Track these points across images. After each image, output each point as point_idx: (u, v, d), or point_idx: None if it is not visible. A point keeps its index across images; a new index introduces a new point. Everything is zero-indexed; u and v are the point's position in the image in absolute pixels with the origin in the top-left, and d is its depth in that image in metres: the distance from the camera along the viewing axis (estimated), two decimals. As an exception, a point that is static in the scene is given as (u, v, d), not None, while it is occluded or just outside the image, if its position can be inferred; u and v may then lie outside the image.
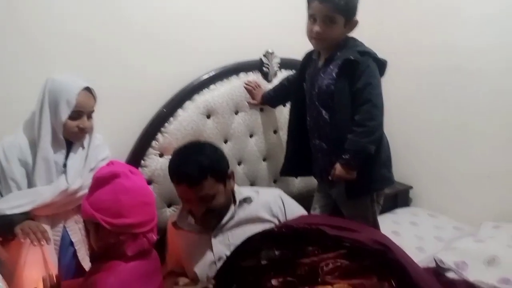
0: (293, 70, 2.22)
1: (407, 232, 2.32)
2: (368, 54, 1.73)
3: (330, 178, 1.76)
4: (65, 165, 1.57)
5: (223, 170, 1.60)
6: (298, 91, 1.97)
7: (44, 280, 1.35)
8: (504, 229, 2.12)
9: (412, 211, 2.62)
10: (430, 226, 2.41)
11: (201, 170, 1.50)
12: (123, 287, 1.24)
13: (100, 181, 1.29)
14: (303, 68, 1.95)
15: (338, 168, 1.72)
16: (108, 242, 1.28)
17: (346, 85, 1.72)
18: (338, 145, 1.75)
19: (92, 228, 1.31)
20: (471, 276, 1.74)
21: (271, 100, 2.20)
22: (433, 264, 1.88)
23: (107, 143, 1.73)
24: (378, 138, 1.74)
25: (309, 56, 1.95)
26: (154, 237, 1.34)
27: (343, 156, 1.70)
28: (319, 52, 1.87)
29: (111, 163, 1.40)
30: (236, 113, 2.19)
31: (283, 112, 2.31)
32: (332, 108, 1.77)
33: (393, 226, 2.36)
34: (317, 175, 2.00)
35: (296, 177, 2.34)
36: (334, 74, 1.75)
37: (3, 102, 1.67)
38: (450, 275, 1.79)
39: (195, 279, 1.62)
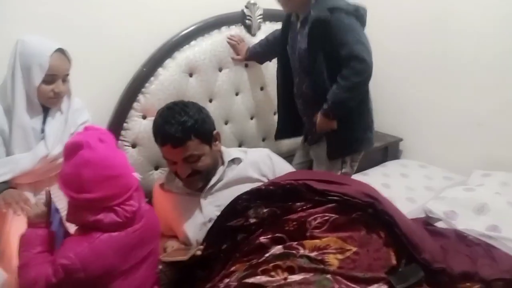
0: (278, 22, 2.13)
1: (398, 184, 2.33)
2: (339, 9, 1.66)
3: (314, 130, 1.77)
4: (43, 131, 1.52)
5: (208, 130, 1.58)
6: (282, 54, 1.94)
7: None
8: (493, 177, 2.13)
9: (402, 163, 2.62)
10: (421, 177, 2.42)
11: (185, 130, 1.47)
12: (93, 255, 1.23)
13: (66, 153, 1.26)
14: (285, 31, 1.90)
15: (318, 117, 1.75)
16: (80, 215, 1.26)
17: (319, 47, 1.68)
18: (318, 108, 1.74)
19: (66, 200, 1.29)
20: (460, 224, 1.75)
21: (257, 55, 2.13)
22: (423, 215, 1.89)
23: (87, 107, 1.68)
24: (361, 94, 1.72)
25: (288, 18, 1.88)
26: (128, 209, 1.30)
27: (323, 106, 1.71)
28: (297, 14, 1.79)
29: (84, 130, 1.35)
30: (220, 70, 2.12)
31: (269, 68, 2.24)
32: (309, 71, 1.74)
33: (384, 178, 2.36)
34: (304, 136, 2.04)
35: (291, 138, 2.31)
36: (307, 36, 1.71)
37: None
38: (440, 224, 1.79)
39: (185, 241, 1.62)
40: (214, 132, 1.62)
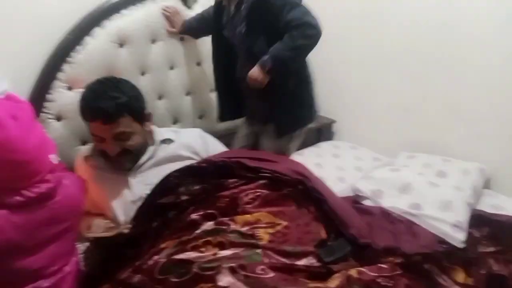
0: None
1: (329, 164, 2.39)
2: None
3: (247, 79, 1.71)
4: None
5: (141, 109, 1.54)
6: (217, 38, 1.90)
7: None
8: (417, 159, 2.24)
9: (335, 144, 2.69)
10: (351, 158, 2.49)
11: (117, 106, 1.42)
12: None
13: None
14: (218, 17, 1.86)
15: (253, 69, 1.67)
16: None
17: (260, 29, 1.67)
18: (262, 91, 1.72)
19: None
20: (386, 203, 1.83)
21: (192, 30, 2.06)
22: (351, 193, 1.95)
23: (5, 77, 1.53)
24: (301, 59, 1.71)
25: (219, 3, 1.83)
26: (34, 191, 1.20)
27: (262, 58, 1.65)
28: None
29: (6, 98, 1.23)
30: (154, 42, 2.02)
31: (206, 43, 2.17)
32: (250, 54, 1.72)
33: (316, 158, 2.41)
34: (249, 116, 2.02)
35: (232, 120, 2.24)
36: (245, 19, 1.69)
37: None
38: (367, 202, 1.86)
39: (113, 220, 1.56)
40: (147, 111, 1.57)
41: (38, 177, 1.21)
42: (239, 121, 2.17)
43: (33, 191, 1.20)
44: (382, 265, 1.29)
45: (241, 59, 1.84)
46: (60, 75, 1.76)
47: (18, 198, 1.18)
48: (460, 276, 1.36)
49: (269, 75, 1.66)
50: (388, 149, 2.54)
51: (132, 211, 1.51)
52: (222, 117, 2.08)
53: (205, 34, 2.09)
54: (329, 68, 2.64)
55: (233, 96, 1.97)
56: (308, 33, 1.60)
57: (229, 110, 2.04)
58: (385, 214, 1.75)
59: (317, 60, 1.90)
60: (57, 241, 1.29)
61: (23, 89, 1.72)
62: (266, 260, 1.18)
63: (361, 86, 2.68)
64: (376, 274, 1.23)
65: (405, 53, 2.43)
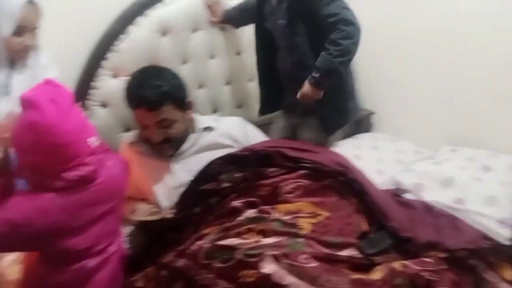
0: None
1: (368, 155, 2.34)
2: None
3: (297, 96, 1.69)
4: (6, 86, 1.43)
5: (183, 97, 1.56)
6: (259, 29, 1.90)
7: None
8: (460, 152, 2.17)
9: (374, 136, 2.64)
10: (391, 150, 2.44)
11: (160, 95, 1.46)
12: (36, 212, 1.18)
13: (23, 107, 1.18)
14: (260, 8, 1.85)
15: (306, 86, 1.66)
16: (25, 174, 1.21)
17: (300, 21, 1.66)
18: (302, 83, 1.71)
19: None
20: (427, 196, 1.79)
21: (232, 19, 2.07)
22: (392, 186, 1.92)
23: (55, 63, 1.59)
24: (351, 58, 1.66)
25: None
26: (74, 174, 1.22)
27: (313, 74, 1.63)
28: None
29: (44, 83, 1.27)
30: (195, 31, 2.04)
31: (246, 33, 2.17)
32: (291, 47, 1.71)
33: (355, 150, 2.36)
34: (287, 108, 2.01)
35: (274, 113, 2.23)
36: (286, 13, 1.68)
37: None
38: (408, 196, 1.83)
39: (156, 205, 1.59)
40: (188, 100, 1.60)
41: (77, 160, 1.23)
42: (276, 112, 2.16)
43: (73, 175, 1.22)
44: (426, 259, 1.27)
45: (281, 51, 1.84)
46: (104, 63, 1.81)
47: (59, 181, 1.20)
48: (508, 273, 1.32)
49: (324, 89, 1.65)
50: (429, 143, 2.47)
51: (174, 196, 1.55)
52: (263, 110, 2.08)
53: (245, 23, 2.09)
54: (368, 58, 2.57)
55: (274, 87, 1.97)
56: (347, 31, 1.58)
57: (270, 103, 2.04)
58: (427, 208, 1.70)
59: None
60: (101, 222, 1.32)
61: (69, 77, 1.78)
62: (308, 250, 1.18)
63: (402, 76, 2.61)
64: (420, 268, 1.21)
65: (450, 43, 2.34)
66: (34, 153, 1.18)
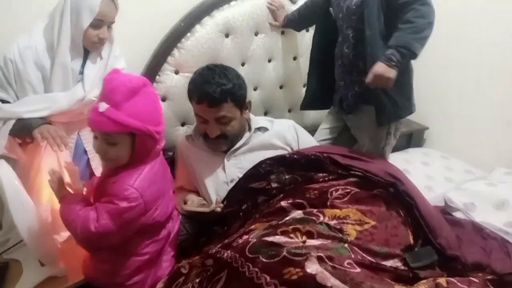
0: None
1: (418, 171, 2.31)
2: None
3: (368, 79, 1.57)
4: (81, 73, 1.54)
5: (243, 96, 1.61)
6: (323, 17, 1.88)
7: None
8: (516, 175, 2.10)
9: (425, 151, 2.59)
10: (442, 167, 2.39)
11: (223, 92, 1.51)
12: (146, 182, 1.27)
13: (132, 90, 1.23)
14: None
15: (377, 64, 1.54)
16: (140, 151, 1.28)
17: (374, 2, 1.61)
18: (363, 73, 1.67)
19: (126, 140, 1.25)
20: (478, 217, 1.75)
21: (294, 22, 2.09)
22: (441, 203, 1.88)
23: (123, 56, 1.69)
24: (426, 38, 1.57)
25: None
26: (162, 145, 1.37)
27: (385, 52, 1.54)
28: None
29: (113, 72, 1.35)
30: (256, 34, 2.10)
31: (305, 38, 2.21)
32: (361, 28, 1.66)
33: (405, 164, 2.34)
34: (336, 103, 1.94)
35: (318, 109, 2.20)
36: None
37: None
38: (458, 214, 1.79)
39: (206, 197, 1.65)
40: (247, 100, 1.65)
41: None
42: (324, 115, 2.16)
43: (162, 144, 1.37)
44: (473, 279, 1.24)
45: (343, 36, 1.78)
46: (169, 59, 1.90)
47: (161, 145, 1.36)
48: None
49: (396, 69, 1.54)
50: (482, 163, 2.40)
51: (223, 191, 1.60)
52: (305, 104, 2.04)
53: (305, 25, 2.11)
54: (426, 71, 2.54)
55: (323, 82, 1.94)
56: (423, 10, 1.53)
57: (314, 98, 2.00)
58: (477, 229, 1.67)
59: (414, 61, 1.82)
60: (167, 192, 1.43)
61: (135, 70, 1.88)
62: (353, 256, 1.18)
63: (460, 92, 2.54)
64: (466, 287, 1.18)
65: (510, 60, 2.27)
66: (161, 120, 1.32)
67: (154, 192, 1.30)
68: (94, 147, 1.30)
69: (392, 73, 1.52)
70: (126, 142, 1.25)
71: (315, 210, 1.34)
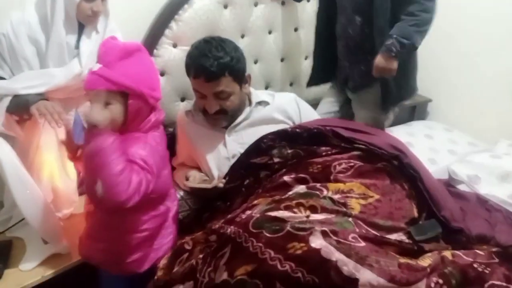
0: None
1: (421, 144, 2.29)
2: None
3: (373, 72, 1.67)
4: (77, 48, 1.50)
5: (242, 70, 1.56)
6: None
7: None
8: (521, 147, 2.08)
9: (428, 124, 2.57)
10: (445, 140, 2.37)
11: (220, 66, 1.46)
12: (153, 154, 1.26)
13: (126, 52, 1.22)
14: None
15: (378, 58, 1.64)
16: (133, 114, 1.25)
17: None
18: (370, 53, 1.65)
19: (118, 99, 1.22)
20: (482, 189, 1.74)
21: None
22: (445, 176, 1.87)
23: (119, 29, 1.64)
24: (427, 32, 1.64)
25: None
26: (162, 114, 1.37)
27: (385, 43, 1.61)
28: None
29: (111, 38, 1.33)
30: (256, 4, 2.03)
31: (306, 9, 2.15)
32: (368, 13, 1.65)
33: (407, 137, 2.32)
34: (341, 81, 1.94)
35: (323, 83, 2.21)
36: None
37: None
38: (461, 187, 1.78)
39: (207, 173, 1.64)
40: (246, 74, 1.60)
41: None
42: (326, 89, 2.14)
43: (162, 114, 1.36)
44: (478, 251, 1.23)
45: (346, 16, 1.79)
46: (167, 31, 1.84)
47: (162, 115, 1.36)
48: None
49: (397, 59, 1.62)
50: (486, 135, 2.38)
51: (225, 166, 1.58)
52: (311, 81, 2.05)
53: None
54: (429, 43, 2.48)
55: (328, 58, 1.93)
56: (426, 5, 1.59)
57: (319, 74, 2.01)
58: (481, 201, 1.66)
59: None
60: (166, 167, 1.40)
61: (132, 43, 1.83)
62: (357, 230, 1.17)
63: (464, 65, 2.50)
64: (471, 260, 1.18)
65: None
66: (157, 87, 1.31)
67: (157, 163, 1.27)
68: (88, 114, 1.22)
69: (393, 64, 1.62)
70: (119, 102, 1.22)
71: (318, 185, 1.33)
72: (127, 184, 1.13)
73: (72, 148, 1.32)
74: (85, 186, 1.23)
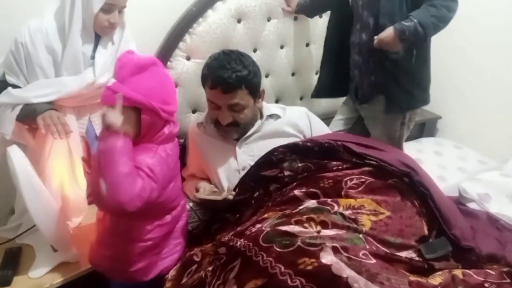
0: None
1: (430, 161, 2.29)
2: None
3: (375, 41, 1.62)
4: (92, 58, 1.52)
5: (257, 85, 1.58)
6: (339, 4, 1.85)
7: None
8: (531, 166, 2.07)
9: (438, 141, 2.57)
10: (455, 157, 2.37)
11: (238, 78, 1.48)
12: (160, 164, 1.27)
13: (139, 67, 1.24)
14: None
15: (388, 30, 1.58)
16: (156, 129, 1.27)
17: None
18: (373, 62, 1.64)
19: (130, 114, 1.23)
20: (493, 208, 1.72)
21: (306, 8, 2.06)
22: (455, 194, 1.86)
23: (133, 40, 1.66)
24: (440, 29, 1.61)
25: None
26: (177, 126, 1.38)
27: (403, 22, 1.56)
28: None
29: (128, 52, 1.33)
30: (269, 19, 2.06)
31: (318, 24, 2.17)
32: (377, 14, 1.64)
33: (417, 154, 2.32)
34: (352, 92, 1.93)
35: (329, 97, 2.21)
36: None
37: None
38: (472, 205, 1.77)
39: (217, 185, 1.64)
40: (261, 88, 1.62)
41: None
42: (338, 105, 2.14)
43: (176, 127, 1.37)
44: (489, 271, 1.22)
45: (360, 22, 1.77)
46: (181, 44, 1.87)
47: (176, 128, 1.36)
48: None
49: (403, 42, 1.58)
50: (496, 153, 2.37)
51: (235, 178, 1.59)
52: (317, 92, 2.04)
53: (318, 11, 2.08)
54: (439, 58, 2.49)
55: (337, 70, 1.93)
56: (451, 5, 1.57)
57: (326, 86, 2.00)
58: (492, 220, 1.64)
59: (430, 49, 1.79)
60: (176, 179, 1.42)
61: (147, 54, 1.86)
62: (368, 246, 1.17)
63: (474, 82, 2.50)
64: (482, 279, 1.17)
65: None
66: (171, 101, 1.31)
67: (164, 174, 1.28)
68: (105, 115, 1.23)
69: (397, 45, 1.58)
70: (131, 117, 1.23)
71: (329, 200, 1.32)
72: (130, 187, 1.14)
73: (90, 162, 1.33)
74: (91, 183, 1.25)
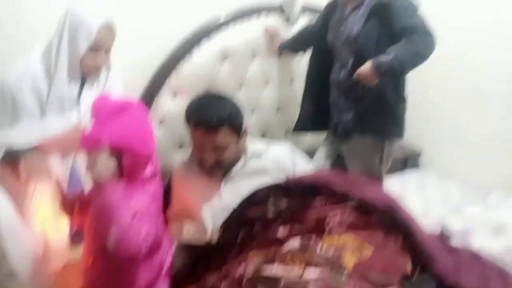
0: (317, 14, 2.08)
1: (414, 195, 2.30)
2: None
3: (354, 75, 1.65)
4: (77, 99, 1.53)
5: (239, 124, 1.61)
6: (319, 42, 1.90)
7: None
8: (513, 199, 2.10)
9: (421, 174, 2.59)
10: (438, 191, 2.39)
11: (220, 117, 1.51)
12: (150, 203, 1.28)
13: (117, 110, 1.26)
14: (326, 18, 1.86)
15: (366, 64, 1.61)
16: (137, 172, 1.28)
17: (375, 30, 1.65)
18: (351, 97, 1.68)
19: (113, 159, 1.25)
20: (476, 243, 1.73)
21: (289, 49, 2.13)
22: (437, 228, 1.87)
23: (121, 81, 1.68)
24: (418, 64, 1.63)
25: (332, 4, 1.85)
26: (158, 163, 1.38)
27: (381, 56, 1.60)
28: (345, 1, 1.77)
29: (103, 96, 1.38)
30: (253, 57, 2.12)
31: (302, 61, 2.22)
32: (360, 55, 1.69)
33: (400, 188, 2.33)
34: (331, 129, 1.96)
35: (311, 131, 2.23)
36: (362, 20, 1.67)
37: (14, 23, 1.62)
38: (455, 240, 1.78)
39: (201, 223, 1.63)
40: (243, 128, 1.65)
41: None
42: (322, 140, 2.17)
43: (158, 163, 1.38)
44: (472, 309, 1.23)
45: (339, 61, 1.82)
46: (167, 82, 1.90)
47: (149, 169, 1.34)
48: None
49: (379, 77, 1.61)
50: (479, 186, 2.39)
51: (220, 217, 1.57)
52: (298, 126, 2.06)
53: (301, 47, 2.13)
54: (419, 94, 2.55)
55: (318, 104, 1.96)
56: (429, 41, 1.59)
57: (307, 120, 2.02)
58: (475, 256, 1.65)
59: (408, 83, 1.84)
60: (160, 216, 1.41)
61: (133, 94, 1.87)
62: (351, 285, 1.17)
63: (453, 113, 2.55)
64: (466, 317, 1.17)
65: (506, 81, 2.28)
66: (150, 142, 1.32)
67: (155, 213, 1.29)
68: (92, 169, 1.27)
69: (374, 78, 1.61)
70: (112, 162, 1.25)
71: (313, 237, 1.33)
72: (137, 236, 1.15)
73: (65, 201, 1.33)
74: (95, 241, 1.23)
